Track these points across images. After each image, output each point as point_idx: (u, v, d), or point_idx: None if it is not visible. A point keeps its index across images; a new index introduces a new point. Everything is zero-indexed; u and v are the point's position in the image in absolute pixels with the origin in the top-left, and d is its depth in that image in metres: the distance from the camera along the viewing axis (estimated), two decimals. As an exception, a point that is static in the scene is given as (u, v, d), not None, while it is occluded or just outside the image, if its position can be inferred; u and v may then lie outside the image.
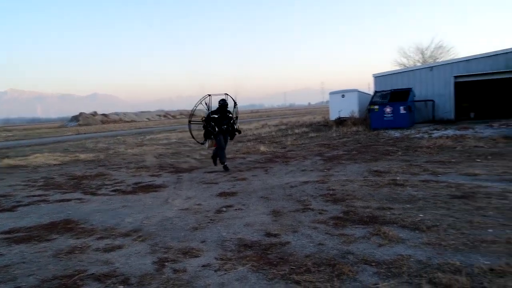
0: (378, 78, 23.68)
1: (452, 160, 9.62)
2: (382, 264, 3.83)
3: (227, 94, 10.61)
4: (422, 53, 38.64)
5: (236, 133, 10.69)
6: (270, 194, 7.30)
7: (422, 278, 3.47)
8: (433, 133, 15.83)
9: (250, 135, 22.27)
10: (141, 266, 4.15)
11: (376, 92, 21.77)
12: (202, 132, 10.61)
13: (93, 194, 8.28)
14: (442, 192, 6.51)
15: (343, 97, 24.25)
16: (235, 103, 10.57)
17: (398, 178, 7.86)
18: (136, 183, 9.29)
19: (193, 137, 11.37)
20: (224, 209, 6.39)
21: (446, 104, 21.48)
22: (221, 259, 4.22)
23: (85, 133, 39.05)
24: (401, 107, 19.09)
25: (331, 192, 7.06)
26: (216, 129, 10.02)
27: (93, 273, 4.00)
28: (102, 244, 4.92)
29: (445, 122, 20.17)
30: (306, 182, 8.12)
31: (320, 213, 5.77)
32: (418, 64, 36.19)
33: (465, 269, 3.56)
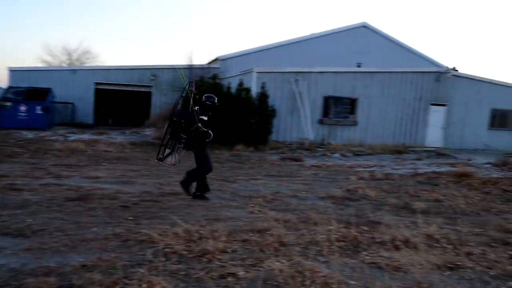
0: (14, 72, 21.68)
1: (80, 164, 9.89)
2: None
3: (192, 83, 7.14)
4: (69, 54, 38.06)
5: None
6: None
7: (10, 287, 3.32)
8: (70, 136, 15.85)
9: None
10: None
11: (10, 87, 19.84)
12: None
13: None
14: (60, 195, 6.54)
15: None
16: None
17: (17, 182, 7.33)
18: None
19: (161, 147, 6.85)
20: None
21: (87, 108, 22.07)
22: None
23: None
24: (38, 107, 18.12)
25: None
26: (212, 135, 6.79)
27: None
28: None
29: (84, 126, 20.54)
30: None
31: None
32: (64, 65, 35.47)
33: (58, 270, 3.66)
